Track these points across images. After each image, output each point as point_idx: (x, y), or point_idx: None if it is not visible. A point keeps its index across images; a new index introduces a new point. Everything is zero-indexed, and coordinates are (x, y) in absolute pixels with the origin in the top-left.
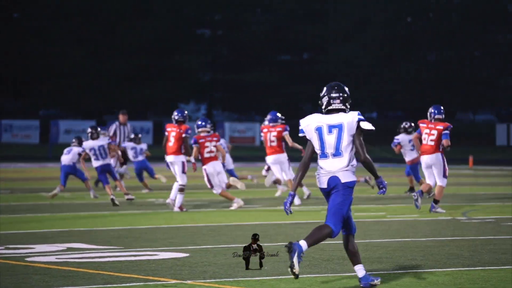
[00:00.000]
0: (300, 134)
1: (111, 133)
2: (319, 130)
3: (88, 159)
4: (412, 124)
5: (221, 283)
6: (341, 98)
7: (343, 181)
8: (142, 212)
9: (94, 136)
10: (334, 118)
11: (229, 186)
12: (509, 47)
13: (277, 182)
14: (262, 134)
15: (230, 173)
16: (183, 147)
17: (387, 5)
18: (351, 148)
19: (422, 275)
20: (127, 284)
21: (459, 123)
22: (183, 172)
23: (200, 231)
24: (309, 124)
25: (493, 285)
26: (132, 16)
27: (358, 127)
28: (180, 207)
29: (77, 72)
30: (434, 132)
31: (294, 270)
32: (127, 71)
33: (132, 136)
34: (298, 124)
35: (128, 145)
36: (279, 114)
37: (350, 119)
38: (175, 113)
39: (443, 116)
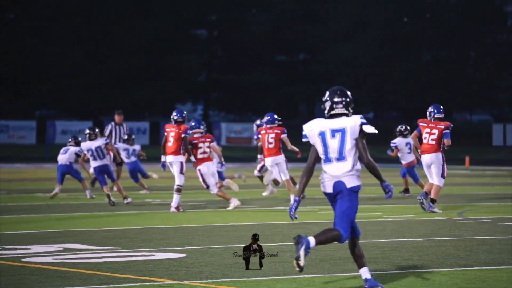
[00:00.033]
0: (304, 139)
1: (107, 133)
2: (322, 134)
3: (87, 160)
4: (408, 127)
5: (217, 283)
6: (343, 103)
7: (348, 186)
8: (139, 212)
9: (92, 137)
10: (337, 123)
11: (221, 185)
12: (507, 47)
13: (276, 183)
14: (259, 135)
15: (218, 174)
16: (182, 147)
17: (386, 6)
18: (354, 152)
19: (419, 275)
20: (124, 285)
21: (456, 123)
22: (181, 172)
23: (197, 232)
24: (312, 129)
25: (489, 285)
26: (129, 16)
27: (361, 130)
28: (177, 207)
29: (74, 72)
30: (435, 131)
31: (299, 262)
32: (124, 72)
33: (126, 137)
34: (294, 125)
35: (121, 146)
36: (276, 116)
37: (352, 123)
38: (174, 113)
39: (443, 115)
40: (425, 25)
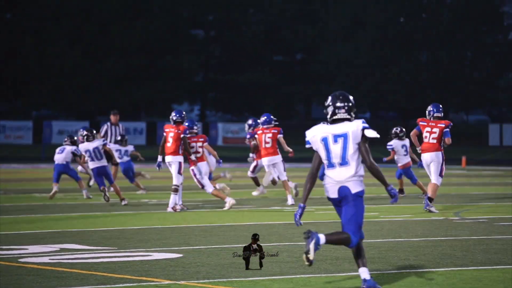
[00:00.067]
0: (307, 146)
1: (102, 133)
2: (324, 140)
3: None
4: (404, 129)
5: (214, 283)
6: (346, 108)
7: (353, 191)
8: (135, 212)
9: (90, 139)
10: (339, 128)
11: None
12: (505, 48)
13: (273, 183)
14: (254, 135)
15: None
16: (181, 147)
17: (384, 6)
18: (357, 157)
19: (415, 275)
20: (121, 285)
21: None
22: (179, 172)
23: (194, 232)
24: (314, 135)
25: (486, 285)
26: (127, 17)
27: (363, 135)
28: (173, 208)
29: (71, 72)
30: (436, 130)
31: (309, 256)
32: (121, 72)
33: (119, 138)
34: (292, 125)
35: (113, 146)
36: (272, 116)
37: (354, 127)
38: (173, 113)
39: (442, 114)
40: (423, 25)
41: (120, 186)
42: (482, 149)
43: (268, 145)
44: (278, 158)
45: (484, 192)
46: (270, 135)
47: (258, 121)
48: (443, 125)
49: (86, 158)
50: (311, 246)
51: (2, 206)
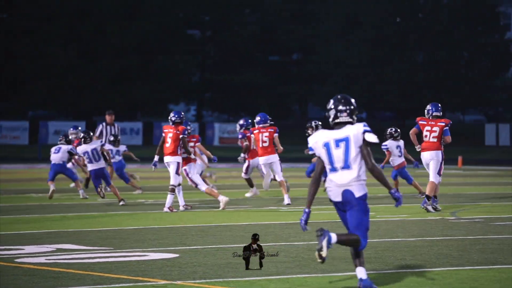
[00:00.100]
0: (310, 152)
1: (97, 133)
2: (326, 145)
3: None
4: (398, 130)
5: (211, 283)
6: (348, 111)
7: (356, 195)
8: (132, 212)
9: (88, 141)
10: (340, 132)
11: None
12: (500, 48)
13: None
14: (250, 135)
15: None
16: (179, 148)
17: (377, 6)
18: (359, 160)
19: (412, 275)
20: (117, 285)
21: None
22: (177, 173)
23: (190, 232)
24: (317, 141)
25: (482, 285)
26: (122, 16)
27: (364, 138)
28: (170, 208)
29: (67, 72)
30: (436, 128)
31: (321, 253)
32: (117, 72)
33: (112, 138)
34: (288, 125)
35: (106, 146)
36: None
37: (355, 131)
38: (172, 114)
39: (441, 113)
40: (419, 25)
41: (116, 187)
42: (478, 149)
43: (265, 144)
44: (275, 157)
45: (480, 192)
46: (267, 134)
47: (250, 121)
48: (443, 124)
49: (85, 161)
50: (324, 243)
51: None
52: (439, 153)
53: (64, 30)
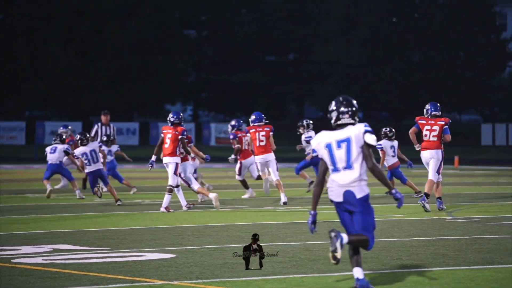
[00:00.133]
0: (313, 154)
1: (93, 134)
2: (328, 146)
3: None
4: (393, 130)
5: (207, 283)
6: (350, 113)
7: (358, 196)
8: (128, 213)
9: (84, 143)
10: (342, 133)
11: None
12: (496, 47)
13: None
14: (248, 134)
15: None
16: (178, 148)
17: (374, 6)
18: (361, 160)
19: (408, 274)
20: (114, 285)
21: None
22: (175, 173)
23: (186, 232)
24: (319, 142)
25: (478, 284)
26: (119, 17)
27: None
28: (166, 208)
29: (63, 73)
30: (436, 127)
31: (336, 254)
32: (113, 72)
33: (105, 138)
34: (285, 125)
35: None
36: (262, 115)
37: (357, 131)
38: (171, 115)
39: (440, 113)
40: (416, 26)
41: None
42: (474, 149)
43: (262, 143)
44: (271, 156)
45: (476, 192)
46: (263, 133)
47: (242, 122)
48: (443, 123)
49: (84, 162)
50: (338, 245)
51: None
52: (439, 152)
53: (60, 31)
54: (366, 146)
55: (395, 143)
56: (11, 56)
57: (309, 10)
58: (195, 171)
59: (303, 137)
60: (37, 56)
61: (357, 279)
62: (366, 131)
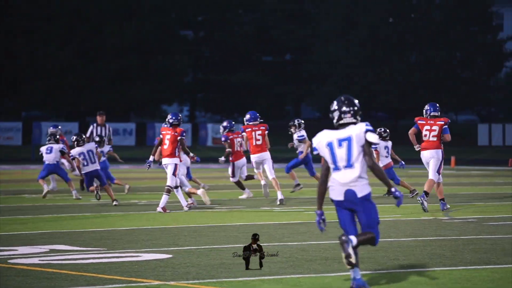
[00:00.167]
0: (314, 152)
1: (88, 134)
2: (330, 145)
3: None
4: (388, 130)
5: (204, 284)
6: (351, 112)
7: (359, 195)
8: (125, 213)
9: (80, 144)
10: (343, 132)
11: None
12: (494, 48)
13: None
14: (244, 133)
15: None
16: (178, 149)
17: (373, 6)
18: (362, 159)
19: (405, 275)
20: (110, 286)
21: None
22: (173, 174)
23: (183, 232)
24: (320, 141)
25: (475, 285)
26: (117, 17)
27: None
28: (163, 208)
29: (62, 73)
30: (436, 127)
31: (351, 259)
32: (113, 72)
33: (97, 139)
34: (283, 125)
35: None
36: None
37: (358, 130)
38: (170, 116)
39: (439, 113)
40: (414, 26)
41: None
42: (471, 149)
43: (258, 142)
44: (267, 154)
45: (473, 192)
46: (259, 132)
47: (234, 123)
48: (442, 123)
49: (80, 161)
50: (350, 250)
51: None
52: (439, 152)
53: (59, 31)
54: (367, 145)
55: (389, 143)
56: (11, 56)
57: (309, 10)
58: (188, 173)
59: (295, 136)
60: (36, 56)
61: (354, 279)
62: (367, 130)
